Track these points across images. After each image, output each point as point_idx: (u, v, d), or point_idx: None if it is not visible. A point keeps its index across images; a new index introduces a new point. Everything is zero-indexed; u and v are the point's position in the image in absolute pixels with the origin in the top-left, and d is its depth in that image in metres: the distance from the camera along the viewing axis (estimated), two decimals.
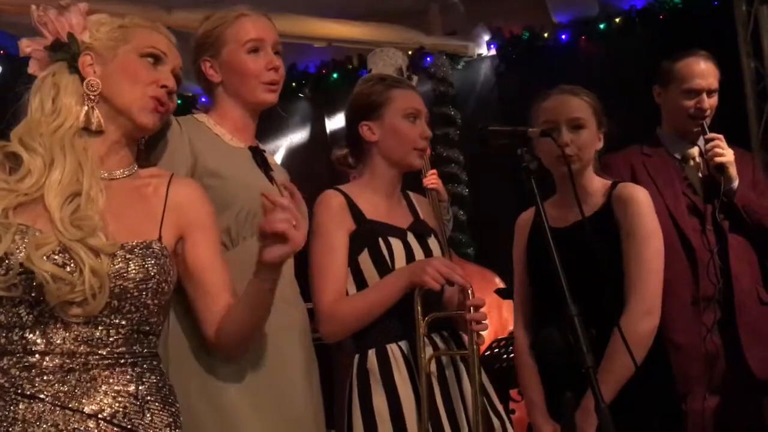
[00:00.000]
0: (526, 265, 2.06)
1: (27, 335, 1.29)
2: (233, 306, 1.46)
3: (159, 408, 1.35)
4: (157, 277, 1.36)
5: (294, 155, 5.35)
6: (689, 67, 2.39)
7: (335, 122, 5.32)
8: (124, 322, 1.34)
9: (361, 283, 1.85)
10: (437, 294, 1.79)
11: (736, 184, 2.30)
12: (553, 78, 4.82)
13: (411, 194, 2.10)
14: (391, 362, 1.79)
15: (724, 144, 2.31)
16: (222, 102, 1.78)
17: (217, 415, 1.56)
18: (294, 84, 5.29)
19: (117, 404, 1.30)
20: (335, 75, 5.32)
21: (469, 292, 1.73)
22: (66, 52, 1.43)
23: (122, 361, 1.33)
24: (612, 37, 4.72)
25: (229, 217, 1.64)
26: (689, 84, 2.37)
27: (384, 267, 1.84)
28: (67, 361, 1.29)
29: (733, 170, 2.29)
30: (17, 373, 1.28)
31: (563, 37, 4.84)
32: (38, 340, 1.29)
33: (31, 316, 1.29)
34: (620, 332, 1.56)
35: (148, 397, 1.34)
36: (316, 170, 4.44)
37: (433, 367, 1.78)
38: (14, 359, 1.29)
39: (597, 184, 2.02)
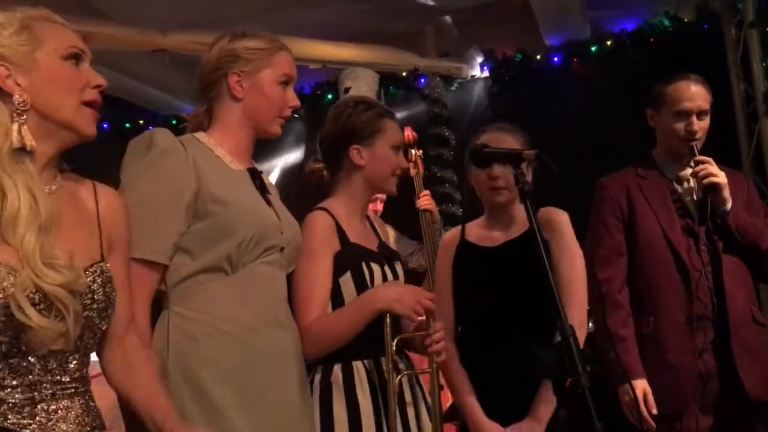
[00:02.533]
0: (451, 280, 2.16)
1: None
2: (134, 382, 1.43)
3: None
4: (113, 302, 1.35)
5: (289, 175, 5.37)
6: (679, 90, 2.43)
7: None
8: (83, 349, 1.32)
9: (340, 304, 1.90)
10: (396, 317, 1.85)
11: (729, 205, 2.33)
12: (545, 99, 4.91)
13: (370, 216, 2.15)
14: (354, 378, 1.85)
15: (714, 166, 2.34)
16: (232, 119, 1.77)
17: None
18: None
19: None
20: (330, 96, 5.36)
21: (432, 321, 1.82)
22: None
23: (80, 389, 1.32)
24: (603, 60, 4.79)
25: (232, 244, 1.64)
26: (679, 106, 2.41)
27: (364, 291, 1.89)
28: (35, 394, 1.26)
29: (725, 192, 2.32)
30: None
31: (555, 59, 4.91)
32: (7, 374, 1.24)
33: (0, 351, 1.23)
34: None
35: (93, 424, 1.32)
36: (311, 189, 4.46)
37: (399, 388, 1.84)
38: None
39: (521, 211, 2.09)
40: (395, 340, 1.80)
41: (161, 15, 4.11)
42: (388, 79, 5.14)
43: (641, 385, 2.26)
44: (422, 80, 5.00)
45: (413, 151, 3.86)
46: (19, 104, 1.28)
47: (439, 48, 5.14)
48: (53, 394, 1.27)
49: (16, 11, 1.32)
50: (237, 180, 1.73)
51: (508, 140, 2.08)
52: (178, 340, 1.60)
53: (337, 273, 1.89)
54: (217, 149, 1.75)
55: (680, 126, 2.41)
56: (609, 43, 4.78)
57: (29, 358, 1.25)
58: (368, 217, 2.12)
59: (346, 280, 1.89)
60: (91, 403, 1.35)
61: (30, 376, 1.25)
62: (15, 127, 1.27)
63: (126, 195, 1.58)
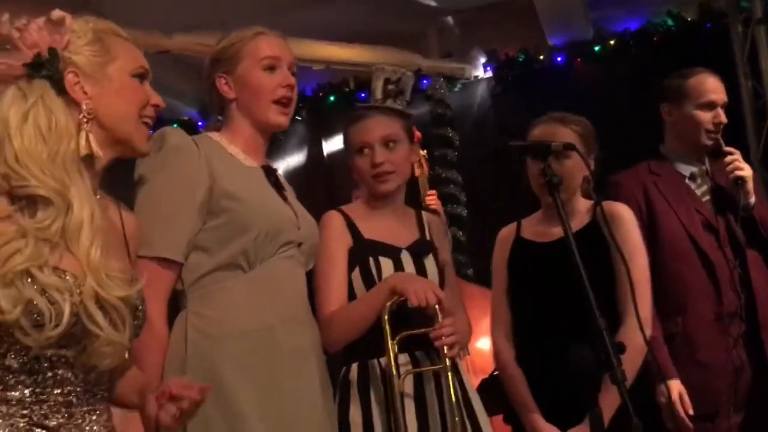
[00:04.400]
0: (506, 277, 2.10)
1: (40, 379, 1.20)
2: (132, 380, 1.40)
3: None
4: (145, 318, 1.34)
5: (291, 178, 5.24)
6: (703, 82, 2.41)
7: (332, 145, 5.32)
8: None
9: (353, 299, 1.89)
10: (416, 312, 1.80)
11: (753, 199, 2.31)
12: (548, 99, 4.89)
13: (424, 214, 2.11)
14: (369, 377, 1.83)
15: (741, 159, 2.33)
16: (235, 120, 1.77)
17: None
18: None
19: None
20: (332, 98, 5.34)
21: (440, 315, 1.76)
22: (48, 69, 1.27)
23: (107, 395, 1.30)
24: (607, 60, 4.77)
25: (247, 240, 1.62)
26: (705, 98, 2.39)
27: (372, 285, 1.88)
28: (72, 398, 1.23)
29: (750, 185, 2.31)
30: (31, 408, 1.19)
31: (559, 59, 4.88)
32: (55, 384, 1.21)
33: (48, 362, 1.20)
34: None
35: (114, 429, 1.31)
36: (314, 193, 4.43)
37: (409, 385, 1.80)
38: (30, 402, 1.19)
39: (582, 205, 2.10)
40: (396, 338, 1.76)
41: (165, 17, 4.08)
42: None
43: (676, 386, 2.22)
44: (425, 81, 4.98)
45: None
46: (87, 112, 1.28)
47: (442, 49, 5.11)
48: (89, 399, 1.25)
49: (88, 22, 1.33)
50: (251, 177, 1.71)
51: (560, 132, 2.01)
52: (196, 340, 1.58)
53: (350, 269, 1.90)
54: (231, 147, 1.74)
55: (706, 118, 2.38)
56: (612, 42, 4.75)
57: (69, 371, 1.22)
58: (420, 214, 2.07)
59: (356, 276, 1.89)
60: (110, 408, 1.33)
61: (70, 387, 1.23)
62: (82, 134, 1.27)
63: (139, 193, 1.58)
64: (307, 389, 1.64)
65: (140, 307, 1.30)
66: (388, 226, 1.97)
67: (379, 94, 3.03)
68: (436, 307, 1.76)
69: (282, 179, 1.85)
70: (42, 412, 1.20)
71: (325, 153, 5.36)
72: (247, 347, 1.59)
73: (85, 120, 1.28)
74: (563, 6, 4.48)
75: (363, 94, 5.29)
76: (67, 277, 1.18)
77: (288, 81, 1.75)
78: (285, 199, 1.76)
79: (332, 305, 1.85)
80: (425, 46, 5.05)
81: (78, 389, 1.23)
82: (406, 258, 1.93)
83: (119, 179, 1.53)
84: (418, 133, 4.13)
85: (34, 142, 1.22)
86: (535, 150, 1.63)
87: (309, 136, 5.40)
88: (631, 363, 1.85)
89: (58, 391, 1.21)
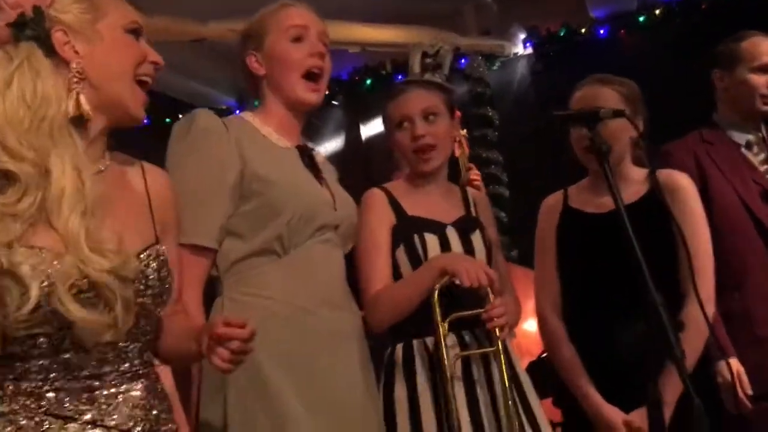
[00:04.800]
0: (555, 249, 1.99)
1: (47, 364, 1.17)
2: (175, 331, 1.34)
3: (167, 418, 1.28)
4: (169, 287, 1.28)
5: (330, 164, 5.29)
6: (757, 45, 2.29)
7: (370, 129, 5.26)
8: (140, 336, 1.26)
9: (398, 278, 1.84)
10: (464, 292, 1.73)
11: None
12: (592, 74, 4.74)
13: (470, 190, 2.06)
14: (415, 358, 1.77)
15: None
16: (267, 99, 1.73)
17: (276, 423, 1.49)
18: (327, 91, 5.23)
19: (139, 418, 1.23)
20: (369, 81, 5.27)
21: (489, 292, 1.70)
22: (34, 29, 1.22)
23: (139, 372, 1.25)
24: (652, 30, 4.60)
25: (281, 224, 1.57)
26: (760, 61, 2.27)
27: (417, 262, 1.82)
28: (93, 382, 1.20)
29: None
30: (45, 396, 1.17)
31: (601, 32, 4.74)
32: (60, 367, 1.18)
33: (50, 345, 1.16)
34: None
35: (159, 407, 1.27)
36: (352, 178, 4.38)
37: (458, 367, 1.73)
38: (36, 384, 1.17)
39: (636, 172, 1.98)
40: (446, 320, 1.71)
41: (199, 4, 4.06)
42: None
43: (735, 364, 2.10)
44: (464, 60, 4.89)
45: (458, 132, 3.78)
46: (77, 72, 1.22)
47: (480, 26, 5.00)
48: (112, 381, 1.21)
49: None
50: (284, 158, 1.66)
51: (605, 95, 1.93)
52: None
53: (394, 247, 1.84)
54: (264, 128, 1.68)
55: (761, 81, 2.26)
56: (657, 12, 4.58)
57: (81, 353, 1.18)
58: (465, 191, 2.02)
59: (400, 254, 1.83)
60: (158, 385, 1.29)
61: (85, 371, 1.19)
62: (73, 95, 1.21)
63: (170, 178, 1.52)
64: (345, 371, 1.59)
65: (151, 273, 1.24)
66: (432, 203, 1.91)
67: (417, 68, 2.96)
68: (488, 287, 1.70)
69: (320, 159, 1.79)
70: (58, 399, 1.17)
71: (363, 137, 5.30)
72: (283, 332, 1.55)
73: (75, 80, 1.22)
74: None
75: (400, 77, 5.22)
76: (43, 254, 1.13)
77: (317, 49, 1.68)
78: (321, 180, 1.71)
79: (377, 285, 1.80)
80: (462, 25, 4.95)
81: (96, 371, 1.20)
82: (452, 234, 1.86)
83: None
84: (457, 112, 4.07)
85: (16, 108, 1.17)
86: (582, 118, 1.54)
87: (346, 120, 5.35)
88: (694, 344, 1.78)
89: (71, 375, 1.18)
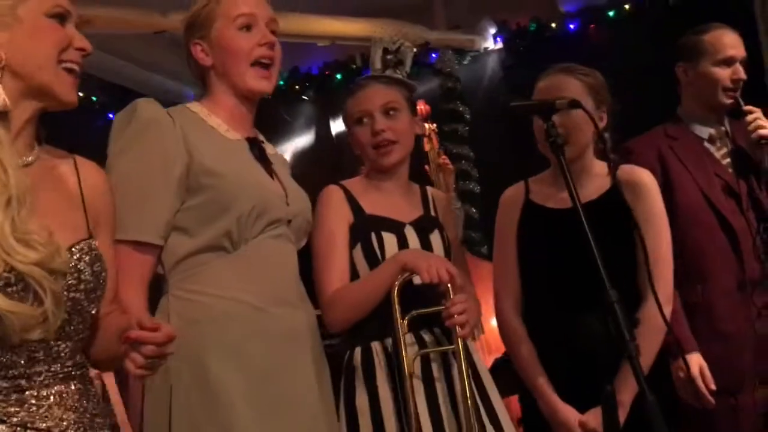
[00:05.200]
0: (516, 245, 1.94)
1: None
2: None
3: (102, 422, 1.23)
4: (103, 283, 1.23)
5: (300, 159, 5.22)
6: (720, 37, 2.27)
7: (340, 124, 5.18)
8: (73, 335, 1.20)
9: (355, 278, 1.80)
10: (424, 290, 1.70)
11: None
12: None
13: (429, 189, 2.02)
14: (374, 360, 1.73)
15: (763, 118, 2.18)
16: (215, 89, 1.65)
17: (220, 427, 1.44)
18: (297, 87, 5.18)
19: (72, 421, 1.18)
20: (339, 76, 5.21)
21: (450, 289, 1.67)
22: None
23: (72, 373, 1.20)
24: (622, 24, 4.58)
25: (230, 219, 1.51)
26: (723, 54, 2.25)
27: (374, 261, 1.78)
28: (22, 382, 1.15)
29: None
30: None
31: (571, 26, 4.71)
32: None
33: None
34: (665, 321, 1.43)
35: (93, 410, 1.22)
36: (322, 173, 4.33)
37: (417, 366, 1.70)
38: None
39: (599, 166, 1.95)
40: (406, 317, 1.67)
41: None
42: None
43: (696, 359, 2.09)
44: (434, 55, 4.84)
45: (427, 125, 3.72)
46: None
47: (450, 20, 4.96)
48: (43, 381, 1.16)
49: None
50: (233, 150, 1.60)
51: (568, 85, 1.89)
52: (178, 325, 1.46)
53: (351, 246, 1.80)
54: (211, 118, 1.62)
55: (724, 75, 2.24)
56: (627, 6, 4.56)
57: (9, 351, 1.13)
58: (424, 189, 1.99)
59: (357, 253, 1.80)
60: (91, 388, 1.23)
61: (14, 370, 1.14)
62: None
63: (111, 172, 1.45)
64: (298, 372, 1.54)
65: (84, 268, 1.20)
66: (391, 201, 1.88)
67: (378, 65, 2.92)
68: (448, 284, 1.66)
69: (271, 151, 1.73)
70: None
71: (333, 133, 5.24)
72: (233, 331, 1.49)
73: None
74: None
75: (368, 71, 5.17)
76: None
77: (266, 39, 1.62)
78: (272, 173, 1.65)
79: (335, 284, 1.77)
80: (432, 19, 4.90)
81: (26, 371, 1.14)
82: (410, 233, 1.83)
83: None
84: (426, 107, 4.02)
85: None
86: (539, 109, 1.50)
87: (316, 115, 5.28)
88: (651, 343, 1.77)
89: (2, 375, 1.13)
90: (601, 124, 1.94)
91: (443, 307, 1.68)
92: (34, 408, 1.15)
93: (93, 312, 1.25)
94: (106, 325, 1.29)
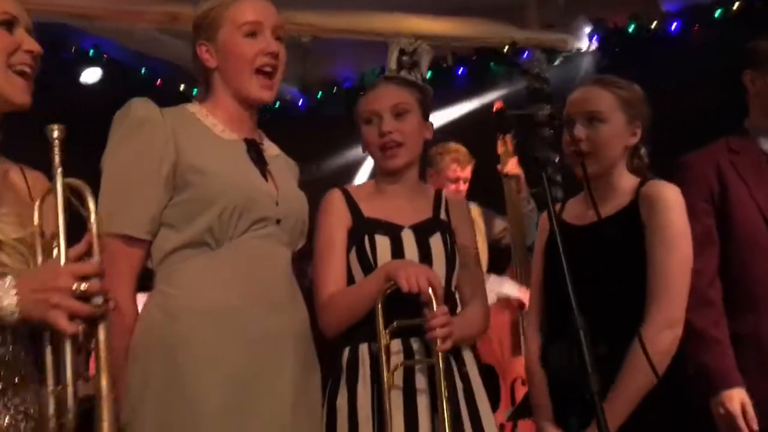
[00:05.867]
0: (542, 264, 1.91)
1: None
2: None
3: None
4: None
5: None
6: None
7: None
8: None
9: (352, 282, 1.80)
10: (413, 299, 1.67)
11: None
12: (661, 72, 4.47)
13: (446, 193, 1.99)
14: (359, 363, 1.72)
15: None
16: (217, 90, 1.68)
17: (188, 420, 1.46)
18: None
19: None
20: (429, 74, 5.17)
21: (434, 302, 1.64)
22: None
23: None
24: (729, 25, 4.25)
25: (212, 215, 1.53)
26: None
27: (367, 265, 1.77)
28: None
29: None
30: None
31: (673, 26, 4.43)
32: None
33: None
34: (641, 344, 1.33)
35: None
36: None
37: (399, 376, 1.67)
38: None
39: (628, 182, 1.84)
40: (388, 328, 1.66)
41: None
42: (489, 55, 4.90)
43: (738, 395, 1.93)
44: (525, 54, 4.71)
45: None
46: None
47: (544, 19, 4.80)
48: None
49: None
50: (226, 150, 1.62)
51: (599, 97, 1.83)
52: (158, 319, 1.52)
53: (348, 250, 1.80)
54: (208, 119, 1.65)
55: None
56: (735, 6, 4.23)
57: None
58: (439, 193, 1.96)
59: (352, 257, 1.80)
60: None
61: None
62: None
63: (104, 168, 1.53)
64: (275, 374, 1.54)
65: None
66: (393, 204, 1.86)
67: (393, 65, 2.87)
68: (432, 294, 1.63)
69: (272, 153, 1.74)
70: None
71: None
72: (208, 329, 1.51)
73: None
74: None
75: (462, 70, 5.10)
76: None
77: (270, 48, 1.64)
78: (266, 173, 1.66)
79: (329, 288, 1.78)
80: (525, 17, 4.76)
81: None
82: (407, 236, 1.81)
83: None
84: (498, 103, 3.91)
85: None
86: (519, 121, 1.43)
87: None
88: (650, 367, 1.63)
89: None
90: (634, 139, 1.86)
91: (425, 319, 1.64)
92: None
93: None
94: None
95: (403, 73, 2.77)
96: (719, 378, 1.96)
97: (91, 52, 4.48)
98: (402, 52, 2.78)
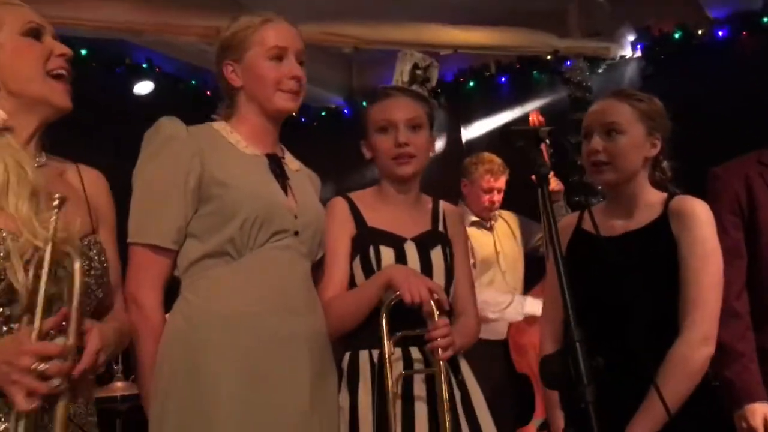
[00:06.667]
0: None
1: None
2: None
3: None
4: (107, 271, 1.38)
5: (429, 166, 5.27)
6: None
7: (471, 131, 5.20)
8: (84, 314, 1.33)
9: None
10: (416, 309, 1.71)
11: None
12: (708, 80, 4.38)
13: (443, 204, 2.03)
14: (359, 369, 1.77)
15: None
16: (241, 108, 1.77)
17: (204, 422, 1.54)
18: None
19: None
20: (472, 83, 5.20)
21: (436, 315, 1.68)
22: None
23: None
24: None
25: (234, 226, 1.62)
26: None
27: (371, 275, 1.81)
28: None
29: None
30: None
31: (720, 33, 4.34)
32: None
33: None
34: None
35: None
36: (452, 180, 4.36)
37: (400, 385, 1.71)
38: None
39: (652, 196, 1.85)
40: (393, 338, 1.70)
41: (293, 7, 4.20)
42: (531, 63, 4.89)
43: (762, 410, 1.93)
44: (568, 63, 4.68)
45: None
46: None
47: (588, 27, 4.75)
48: None
49: None
50: (249, 164, 1.70)
51: (618, 110, 1.85)
52: (182, 327, 1.60)
53: (351, 258, 1.85)
54: (232, 135, 1.73)
55: None
56: None
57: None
58: (437, 204, 2.01)
59: (356, 265, 1.85)
60: None
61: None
62: None
63: (135, 182, 1.64)
64: (289, 378, 1.60)
65: (94, 256, 1.35)
66: (396, 215, 1.92)
67: (406, 77, 2.91)
68: (433, 305, 1.68)
69: (294, 167, 1.82)
70: None
71: (463, 140, 5.24)
72: (226, 329, 1.59)
73: None
74: None
75: (504, 79, 5.10)
76: (3, 234, 1.25)
77: (293, 72, 1.73)
78: (286, 187, 1.74)
79: (329, 292, 1.83)
80: (567, 25, 4.73)
81: None
82: (410, 248, 1.86)
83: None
84: (540, 118, 3.91)
85: None
86: (525, 136, 1.46)
87: (448, 122, 5.30)
88: (681, 383, 1.65)
89: None
90: (654, 151, 1.87)
91: (426, 330, 1.69)
92: None
93: (100, 296, 1.41)
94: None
95: (415, 87, 2.82)
96: (743, 392, 1.94)
97: (144, 65, 4.66)
98: (416, 66, 2.84)
